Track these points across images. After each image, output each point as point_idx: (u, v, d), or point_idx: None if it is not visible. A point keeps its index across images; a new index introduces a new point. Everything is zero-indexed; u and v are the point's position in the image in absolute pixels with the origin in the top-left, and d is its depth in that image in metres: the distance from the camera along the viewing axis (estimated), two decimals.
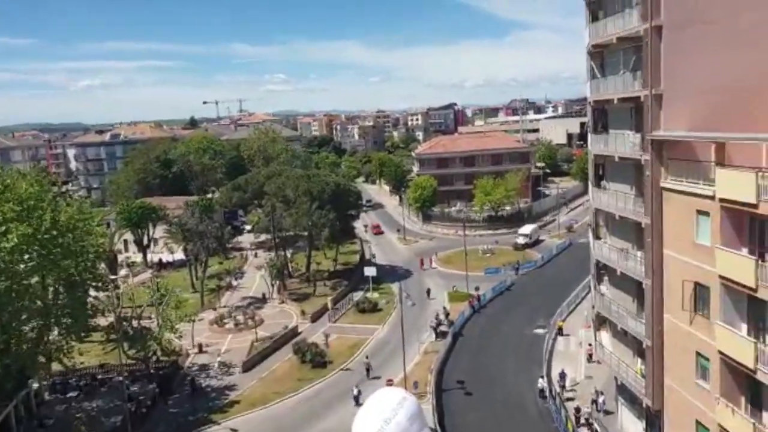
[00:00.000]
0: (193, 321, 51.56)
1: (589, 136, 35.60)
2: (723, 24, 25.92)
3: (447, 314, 54.45)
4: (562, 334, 49.74)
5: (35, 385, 41.34)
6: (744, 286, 22.61)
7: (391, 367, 44.99)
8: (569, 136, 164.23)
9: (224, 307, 61.91)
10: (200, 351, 51.16)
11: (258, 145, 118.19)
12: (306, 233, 68.20)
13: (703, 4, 26.03)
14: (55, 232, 36.97)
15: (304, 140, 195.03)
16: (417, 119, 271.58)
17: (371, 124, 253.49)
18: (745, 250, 23.29)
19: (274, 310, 61.26)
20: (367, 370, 44.79)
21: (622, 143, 30.60)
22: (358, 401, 38.38)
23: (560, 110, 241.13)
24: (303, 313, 59.13)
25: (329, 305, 58.69)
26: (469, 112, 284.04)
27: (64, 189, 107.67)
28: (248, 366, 47.31)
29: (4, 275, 34.37)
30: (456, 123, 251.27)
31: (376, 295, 63.09)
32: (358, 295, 63.02)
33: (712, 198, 23.89)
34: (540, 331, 50.91)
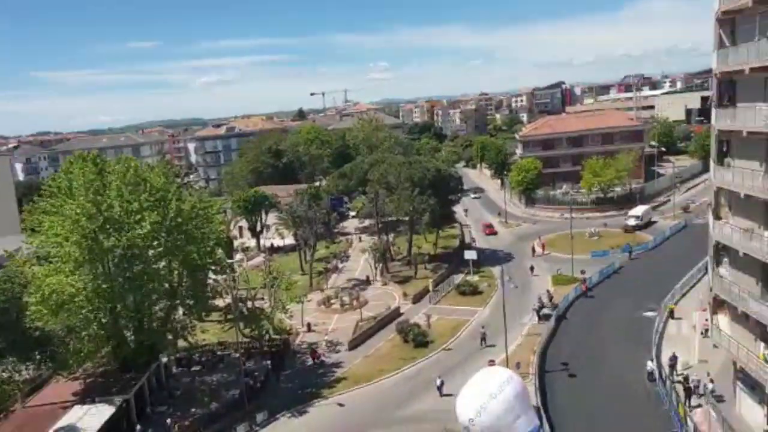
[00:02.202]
0: (302, 302, 54.27)
1: (713, 110, 33.30)
2: None
3: (550, 297, 53.37)
4: (673, 317, 47.19)
5: (164, 360, 45.43)
6: None
7: (489, 350, 45.00)
8: (688, 112, 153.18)
9: (331, 288, 64.44)
10: (309, 330, 53.76)
11: (362, 134, 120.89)
12: (407, 218, 69.15)
13: None
14: (180, 220, 40.22)
15: (406, 127, 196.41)
16: (521, 100, 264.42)
17: (473, 107, 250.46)
18: None
19: (377, 292, 62.87)
20: (482, 339, 46.24)
21: (752, 117, 28.39)
22: (441, 392, 38.68)
23: (678, 85, 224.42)
24: (405, 294, 60.24)
25: (430, 287, 59.28)
26: (577, 91, 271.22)
27: (186, 180, 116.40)
28: (354, 344, 49.12)
29: (139, 260, 38.20)
30: (563, 102, 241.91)
31: (476, 278, 62.85)
32: (458, 278, 63.10)
33: None
34: (650, 314, 48.46)
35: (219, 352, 49.18)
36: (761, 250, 28.31)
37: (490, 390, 31.37)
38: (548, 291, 55.38)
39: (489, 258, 70.49)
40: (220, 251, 45.05)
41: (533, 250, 70.86)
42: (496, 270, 62.05)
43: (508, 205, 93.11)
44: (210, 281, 45.63)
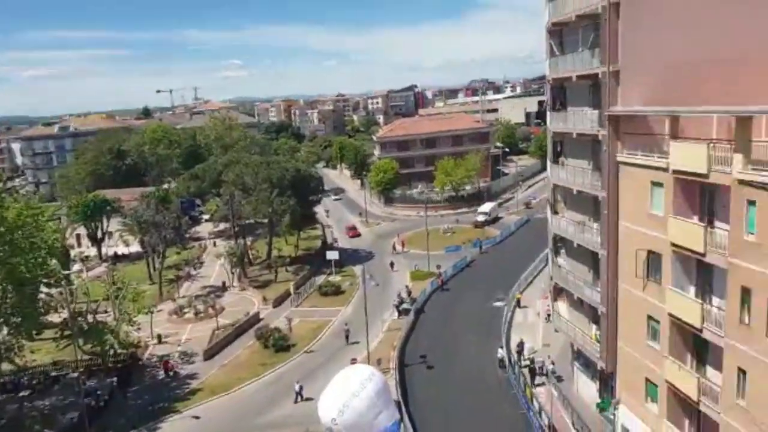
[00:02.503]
0: (152, 312, 50.47)
1: (548, 114, 36.03)
2: (676, 2, 26.31)
3: (409, 293, 54.92)
4: (520, 306, 50.79)
5: None
6: (694, 252, 23.42)
7: (354, 347, 45.28)
8: (527, 115, 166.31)
9: (183, 297, 60.62)
10: (159, 342, 50.07)
11: (215, 133, 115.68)
12: (266, 220, 67.21)
13: None
14: (2, 229, 35.44)
15: (262, 127, 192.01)
16: (377, 102, 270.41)
17: (331, 108, 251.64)
18: (695, 218, 24.10)
19: (235, 298, 60.39)
20: (347, 336, 46.52)
21: (581, 120, 31.04)
22: (301, 397, 37.98)
23: (519, 89, 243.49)
24: (264, 299, 58.47)
25: (291, 290, 58.20)
26: (429, 94, 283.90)
27: (9, 185, 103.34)
28: (210, 354, 46.54)
29: None
30: (416, 105, 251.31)
31: (338, 278, 62.93)
32: (321, 280, 62.71)
33: (666, 170, 24.51)
34: (499, 304, 51.80)
35: (53, 373, 44.02)
36: (592, 241, 31.20)
37: (352, 388, 31.01)
38: (407, 286, 57.00)
39: (351, 257, 70.94)
40: (53, 262, 40.23)
41: (394, 247, 72.63)
42: (358, 269, 62.51)
43: (368, 205, 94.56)
44: (42, 295, 40.80)
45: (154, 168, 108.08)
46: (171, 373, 43.67)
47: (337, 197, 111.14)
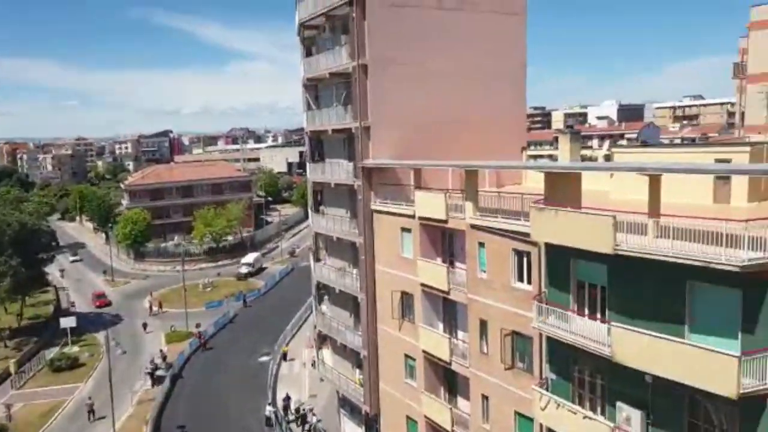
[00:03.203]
0: None
1: (308, 164, 37.00)
2: (415, 67, 29.66)
3: (164, 357, 50.01)
4: (286, 359, 50.06)
5: None
6: (440, 290, 25.81)
7: (99, 424, 39.71)
8: (289, 165, 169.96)
9: None
10: None
11: None
12: None
13: (398, 47, 29.29)
14: None
15: None
16: (126, 147, 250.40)
17: (69, 152, 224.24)
18: (439, 260, 26.67)
19: None
20: (90, 412, 40.77)
21: (338, 171, 32.46)
22: None
23: (280, 139, 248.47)
24: None
25: (12, 369, 48.56)
26: (186, 141, 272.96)
27: None
28: None
29: None
30: (172, 151, 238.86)
31: (76, 349, 54.53)
32: (53, 352, 53.72)
33: (413, 217, 26.87)
34: (265, 358, 50.38)
35: None
36: (352, 286, 32.40)
37: None
38: (161, 351, 51.96)
39: (93, 323, 62.38)
40: None
41: (150, 308, 66.02)
42: (102, 335, 55.02)
43: (114, 261, 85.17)
44: None
45: None
46: None
47: (75, 257, 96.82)
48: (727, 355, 14.33)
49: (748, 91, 31.77)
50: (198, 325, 56.95)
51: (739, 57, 50.68)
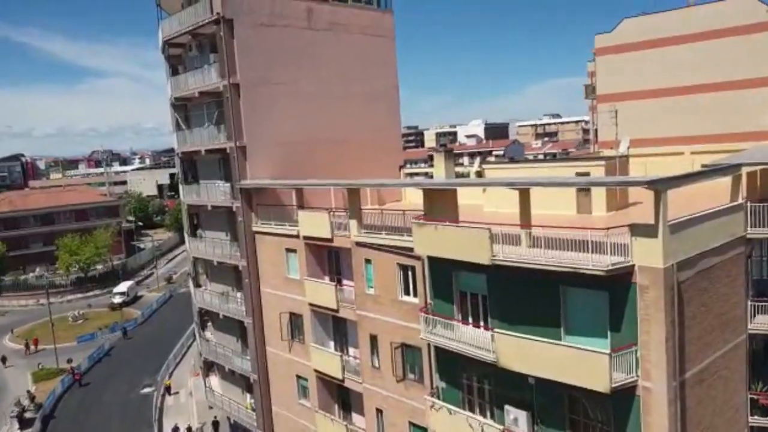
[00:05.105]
0: None
1: (181, 187, 35.24)
2: (289, 86, 29.43)
3: (32, 398, 45.49)
4: (170, 393, 47.28)
5: None
6: (329, 309, 25.72)
7: None
8: (160, 188, 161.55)
9: None
10: None
11: None
12: None
13: (270, 67, 28.92)
14: None
15: None
16: None
17: None
18: (326, 278, 26.60)
19: None
20: None
21: (214, 193, 31.24)
22: None
23: (148, 161, 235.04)
24: None
25: None
26: (42, 164, 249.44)
27: None
28: None
29: None
30: (25, 177, 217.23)
31: None
32: None
33: (297, 237, 26.57)
34: (148, 390, 47.45)
35: None
36: (237, 310, 31.30)
37: None
38: (29, 391, 47.10)
39: None
40: None
41: (27, 346, 59.08)
42: None
43: None
44: None
45: None
46: None
47: None
48: (599, 353, 15.54)
49: (598, 109, 34.97)
50: (70, 360, 52.34)
51: (588, 79, 55.91)
